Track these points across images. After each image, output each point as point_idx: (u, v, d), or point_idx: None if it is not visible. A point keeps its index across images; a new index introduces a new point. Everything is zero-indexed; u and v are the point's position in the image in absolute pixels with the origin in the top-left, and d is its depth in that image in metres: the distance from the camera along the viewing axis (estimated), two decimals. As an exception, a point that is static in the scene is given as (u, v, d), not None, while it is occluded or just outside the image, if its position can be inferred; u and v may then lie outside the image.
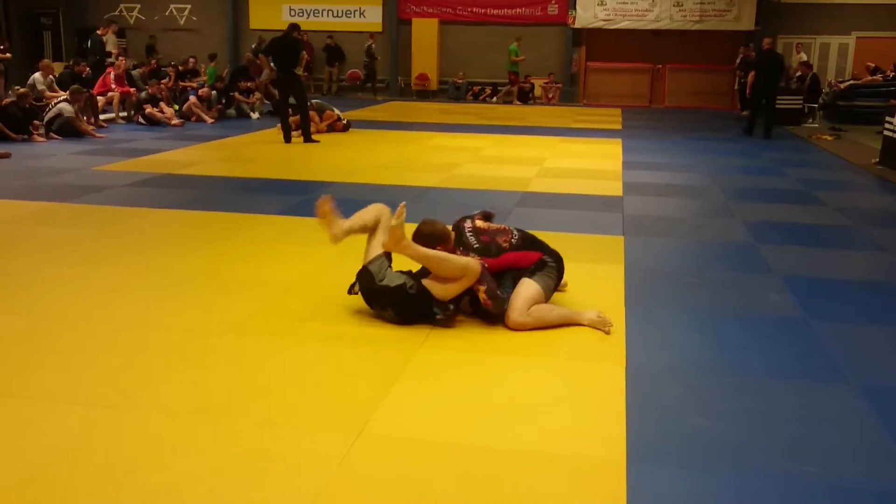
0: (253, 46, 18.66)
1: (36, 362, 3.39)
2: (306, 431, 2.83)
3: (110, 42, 16.09)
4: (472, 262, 3.81)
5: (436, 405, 3.08)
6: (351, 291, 4.03)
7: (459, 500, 2.42)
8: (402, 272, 3.94)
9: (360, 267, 4.01)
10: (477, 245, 4.00)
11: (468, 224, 4.16)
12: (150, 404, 3.02)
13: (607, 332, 3.85)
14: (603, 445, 2.78)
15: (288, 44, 10.88)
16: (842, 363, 3.57)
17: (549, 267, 4.09)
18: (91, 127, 11.59)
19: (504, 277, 4.01)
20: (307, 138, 11.00)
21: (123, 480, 2.48)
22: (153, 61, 16.23)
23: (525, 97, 19.80)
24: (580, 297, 4.40)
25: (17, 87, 11.39)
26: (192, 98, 13.61)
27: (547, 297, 4.03)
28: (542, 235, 5.80)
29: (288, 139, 10.98)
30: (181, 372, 3.33)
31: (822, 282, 4.90)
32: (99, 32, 15.69)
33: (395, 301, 3.85)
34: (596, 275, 4.82)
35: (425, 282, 3.83)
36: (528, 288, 3.94)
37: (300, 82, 11.35)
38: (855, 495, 2.52)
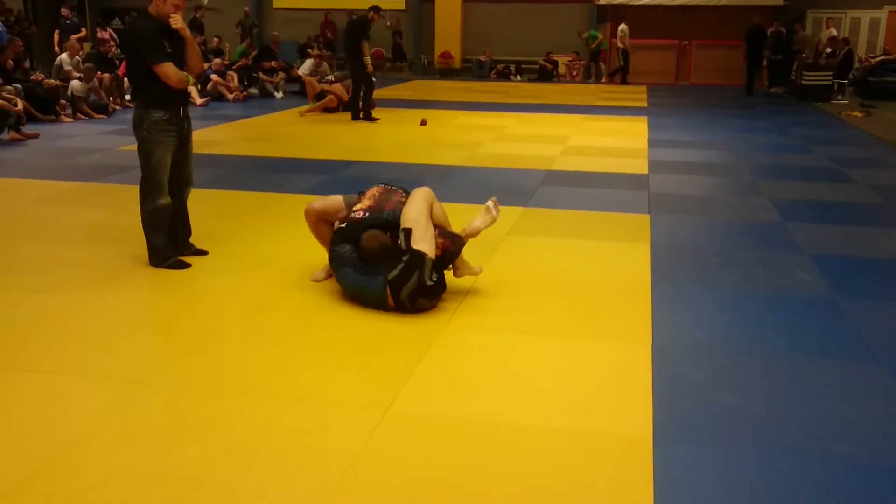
0: (242, 17, 18.65)
1: (68, 340, 3.44)
2: (335, 407, 2.86)
3: None
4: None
5: (462, 383, 3.10)
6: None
7: (486, 476, 2.44)
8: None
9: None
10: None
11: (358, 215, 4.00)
12: (181, 380, 3.07)
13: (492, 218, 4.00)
14: (629, 423, 2.78)
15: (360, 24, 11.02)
16: (871, 342, 3.54)
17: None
18: (118, 107, 11.68)
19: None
20: (367, 115, 11.19)
21: (156, 455, 2.53)
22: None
23: (548, 75, 19.62)
24: (605, 276, 4.39)
25: (37, 73, 11.36)
26: (214, 77, 13.68)
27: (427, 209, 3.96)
28: (566, 214, 5.83)
29: (356, 116, 11.18)
30: (211, 348, 3.37)
31: (852, 260, 4.84)
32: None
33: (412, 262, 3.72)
34: (621, 253, 4.80)
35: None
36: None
37: (362, 62, 11.34)
38: (884, 474, 2.50)
